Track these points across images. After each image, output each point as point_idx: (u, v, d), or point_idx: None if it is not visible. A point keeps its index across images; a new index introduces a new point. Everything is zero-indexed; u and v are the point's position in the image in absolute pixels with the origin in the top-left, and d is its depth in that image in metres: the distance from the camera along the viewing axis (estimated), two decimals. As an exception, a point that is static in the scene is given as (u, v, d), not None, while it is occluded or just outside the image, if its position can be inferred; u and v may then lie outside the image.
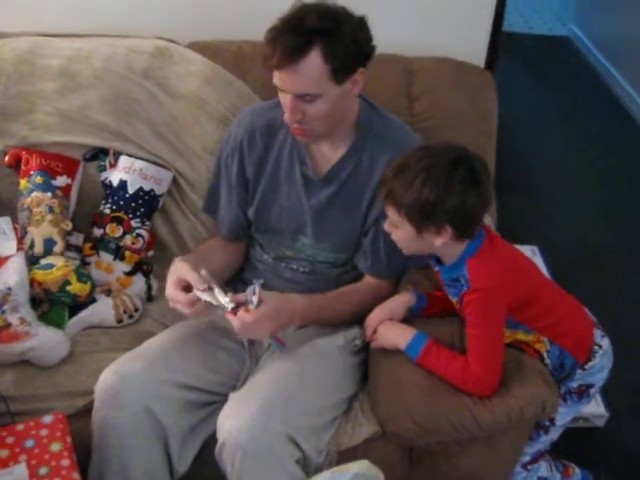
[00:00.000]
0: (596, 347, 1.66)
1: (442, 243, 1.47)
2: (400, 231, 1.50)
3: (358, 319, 1.72)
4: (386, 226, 1.54)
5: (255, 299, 1.51)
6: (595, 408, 2.22)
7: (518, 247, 2.77)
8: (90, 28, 2.15)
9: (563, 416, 1.72)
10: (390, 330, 1.62)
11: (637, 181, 3.63)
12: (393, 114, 1.77)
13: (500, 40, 2.35)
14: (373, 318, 1.65)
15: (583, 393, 1.70)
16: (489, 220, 1.96)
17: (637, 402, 2.34)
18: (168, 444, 1.56)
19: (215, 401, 1.61)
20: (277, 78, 1.52)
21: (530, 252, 2.83)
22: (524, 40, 5.15)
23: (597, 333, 1.67)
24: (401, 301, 1.67)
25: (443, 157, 1.45)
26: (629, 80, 4.46)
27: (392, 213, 1.49)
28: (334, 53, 1.48)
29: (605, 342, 1.68)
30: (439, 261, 1.59)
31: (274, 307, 1.54)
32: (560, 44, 5.26)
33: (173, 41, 2.14)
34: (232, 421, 1.46)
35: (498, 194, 2.12)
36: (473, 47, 2.23)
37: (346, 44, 1.49)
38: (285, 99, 1.55)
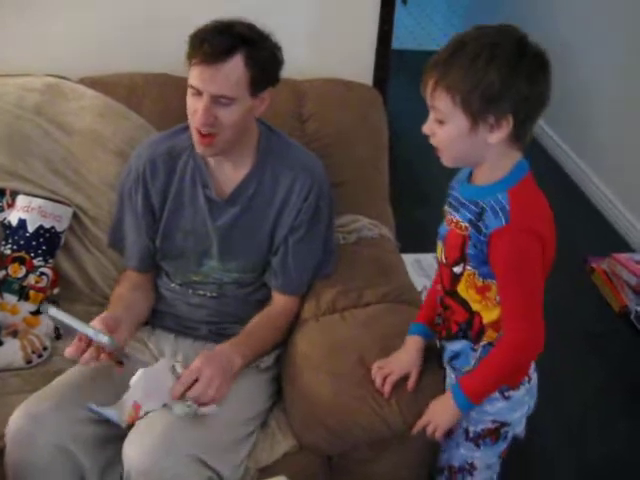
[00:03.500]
0: (526, 378, 1.50)
1: (497, 141, 1.28)
2: (449, 126, 1.29)
3: None
4: (427, 126, 1.33)
5: (178, 367, 1.53)
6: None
7: (423, 256, 2.90)
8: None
9: (482, 460, 1.57)
10: (437, 412, 1.49)
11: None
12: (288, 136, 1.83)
13: (389, 58, 2.44)
14: (388, 378, 1.53)
15: (499, 435, 1.52)
16: (386, 230, 2.03)
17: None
18: (86, 480, 1.55)
19: (131, 431, 1.61)
20: (196, 76, 1.57)
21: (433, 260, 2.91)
22: (414, 56, 5.33)
23: (532, 364, 1.52)
24: (414, 349, 1.56)
25: (508, 34, 1.27)
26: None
27: (443, 103, 1.28)
28: (255, 62, 1.58)
29: (534, 377, 1.53)
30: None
31: (214, 365, 1.54)
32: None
33: (64, 77, 2.13)
34: (134, 447, 1.47)
35: (395, 206, 2.20)
36: (360, 66, 2.31)
37: (266, 57, 1.62)
38: (199, 102, 1.58)
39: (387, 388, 1.53)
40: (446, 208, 1.46)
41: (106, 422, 1.56)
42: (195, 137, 1.64)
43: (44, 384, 1.64)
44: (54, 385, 1.61)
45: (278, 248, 1.76)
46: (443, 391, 1.53)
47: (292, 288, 1.79)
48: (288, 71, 1.97)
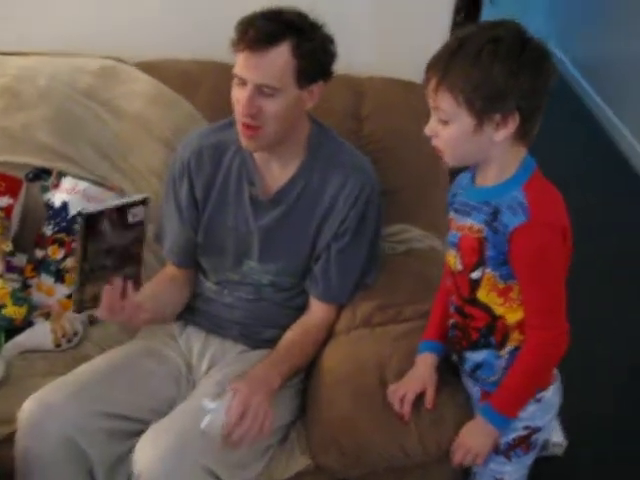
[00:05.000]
0: (553, 377, 1.47)
1: (503, 138, 1.25)
2: (452, 127, 1.26)
3: None
4: (429, 127, 1.30)
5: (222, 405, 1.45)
6: (554, 436, 2.15)
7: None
8: (40, 47, 2.13)
9: (511, 475, 1.50)
10: (472, 439, 1.43)
11: (613, 207, 3.61)
12: (342, 137, 1.74)
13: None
14: (405, 398, 1.46)
15: (530, 442, 1.47)
16: (439, 243, 1.91)
17: (595, 432, 2.30)
18: (94, 474, 1.51)
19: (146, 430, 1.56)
20: (240, 64, 1.52)
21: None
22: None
23: None
24: (427, 365, 1.50)
25: (508, 28, 1.23)
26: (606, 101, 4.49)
27: (446, 104, 1.24)
28: (303, 52, 1.51)
29: (558, 376, 1.48)
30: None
31: (246, 384, 1.48)
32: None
33: (121, 60, 2.12)
34: (147, 451, 1.42)
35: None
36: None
37: (316, 48, 1.54)
38: (243, 92, 1.52)
39: (406, 408, 1.45)
40: (452, 215, 1.43)
41: (118, 418, 1.53)
42: (239, 129, 1.57)
43: (70, 369, 1.61)
44: (72, 375, 1.58)
45: (320, 254, 1.68)
46: (465, 415, 1.45)
47: (332, 296, 1.71)
48: (348, 67, 1.89)
